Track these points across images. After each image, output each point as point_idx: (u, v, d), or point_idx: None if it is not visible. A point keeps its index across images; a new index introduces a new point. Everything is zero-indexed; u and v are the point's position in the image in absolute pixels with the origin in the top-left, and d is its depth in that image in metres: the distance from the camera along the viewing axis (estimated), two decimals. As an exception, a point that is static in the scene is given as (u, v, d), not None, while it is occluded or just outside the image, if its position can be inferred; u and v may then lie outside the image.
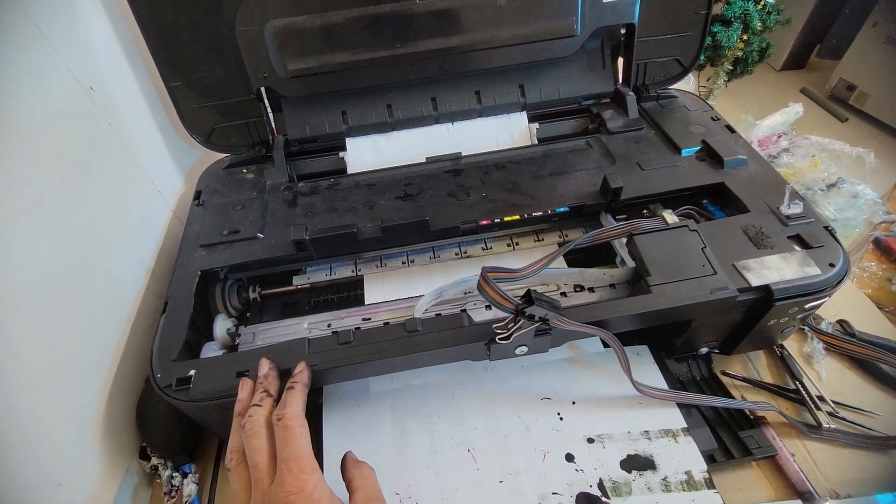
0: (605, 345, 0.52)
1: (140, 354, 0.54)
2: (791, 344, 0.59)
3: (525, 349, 0.46)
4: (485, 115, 0.67)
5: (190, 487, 0.51)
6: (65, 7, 0.50)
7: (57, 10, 0.49)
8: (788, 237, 0.49)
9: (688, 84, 0.86)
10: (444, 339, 0.45)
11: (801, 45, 2.00)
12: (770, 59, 1.27)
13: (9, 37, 0.43)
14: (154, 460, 0.52)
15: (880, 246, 1.04)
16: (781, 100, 0.92)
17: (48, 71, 0.47)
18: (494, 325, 0.43)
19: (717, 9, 1.10)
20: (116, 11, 0.58)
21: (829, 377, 0.56)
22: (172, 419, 0.51)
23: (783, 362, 0.56)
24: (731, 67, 1.19)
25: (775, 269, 0.46)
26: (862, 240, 1.09)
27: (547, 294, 0.52)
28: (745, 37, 1.12)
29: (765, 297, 0.45)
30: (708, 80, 1.24)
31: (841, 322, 0.60)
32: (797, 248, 0.48)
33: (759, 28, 1.12)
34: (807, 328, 0.59)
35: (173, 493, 0.50)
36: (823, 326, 0.59)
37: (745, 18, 1.09)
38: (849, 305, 0.63)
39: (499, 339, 0.43)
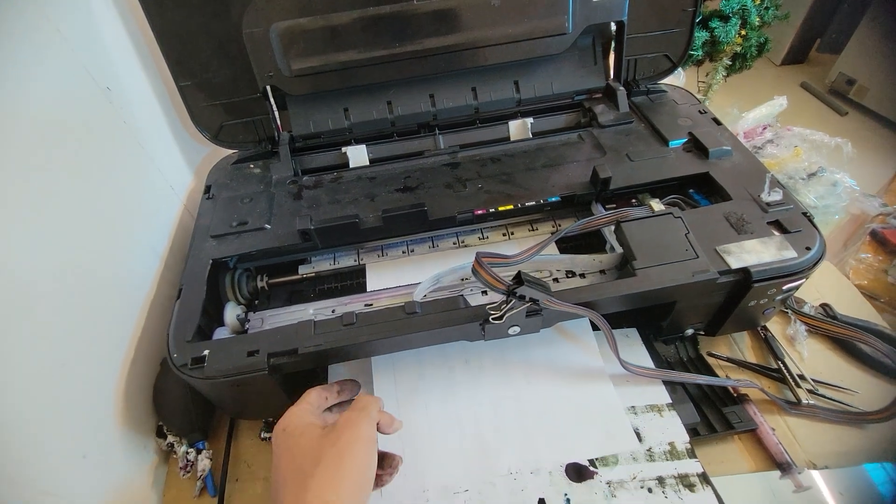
0: (595, 327, 0.54)
1: (155, 339, 0.57)
2: (775, 326, 0.61)
3: (517, 329, 0.48)
4: (481, 110, 0.70)
5: (204, 463, 0.54)
6: (82, 11, 0.54)
7: (75, 14, 0.52)
8: (768, 223, 0.51)
9: (678, 79, 0.88)
10: (442, 320, 0.47)
11: (800, 39, 2.01)
12: (770, 53, 1.28)
13: (30, 40, 0.46)
14: (170, 438, 0.55)
15: (877, 237, 1.05)
16: (781, 95, 0.93)
17: (67, 72, 0.50)
18: (488, 307, 0.46)
19: (714, 4, 1.11)
20: (129, 15, 0.61)
21: (810, 357, 0.58)
22: (186, 399, 0.54)
23: (766, 343, 0.59)
24: (730, 63, 1.19)
25: (754, 252, 0.48)
26: (859, 231, 1.11)
27: (539, 279, 0.54)
28: (743, 32, 1.12)
29: (744, 279, 0.48)
30: (707, 75, 1.25)
31: (823, 305, 0.62)
32: (776, 232, 0.51)
33: (757, 23, 1.12)
34: (790, 311, 0.61)
35: (188, 468, 0.54)
36: (806, 310, 0.61)
37: (743, 14, 1.09)
38: (832, 290, 0.65)
39: (492, 319, 0.46)
